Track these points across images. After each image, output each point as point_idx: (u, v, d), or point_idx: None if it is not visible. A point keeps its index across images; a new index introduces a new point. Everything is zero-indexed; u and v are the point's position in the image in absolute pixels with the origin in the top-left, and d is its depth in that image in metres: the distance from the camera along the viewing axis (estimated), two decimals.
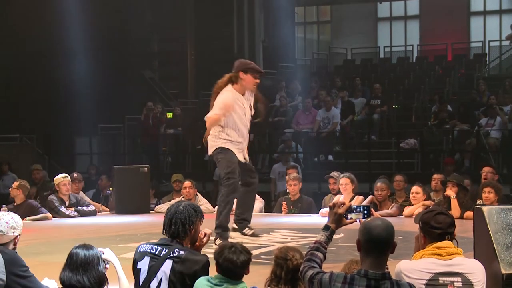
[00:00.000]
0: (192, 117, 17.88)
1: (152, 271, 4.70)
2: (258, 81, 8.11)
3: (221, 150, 8.00)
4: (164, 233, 4.83)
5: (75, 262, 4.55)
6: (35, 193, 12.48)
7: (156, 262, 4.70)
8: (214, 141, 8.04)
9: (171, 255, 4.69)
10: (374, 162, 16.11)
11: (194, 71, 22.34)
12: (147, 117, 18.36)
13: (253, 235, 8.06)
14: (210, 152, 8.18)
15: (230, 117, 7.96)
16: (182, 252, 4.69)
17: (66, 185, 10.86)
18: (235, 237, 7.88)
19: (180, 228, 4.76)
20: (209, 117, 7.96)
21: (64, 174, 11.03)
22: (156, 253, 4.74)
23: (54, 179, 11.03)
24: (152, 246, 4.79)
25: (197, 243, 4.87)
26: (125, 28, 20.49)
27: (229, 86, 8.04)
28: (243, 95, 8.07)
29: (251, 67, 8.10)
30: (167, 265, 4.67)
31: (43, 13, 18.76)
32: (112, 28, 19.99)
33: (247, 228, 8.10)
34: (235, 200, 8.24)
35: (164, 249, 4.73)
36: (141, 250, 4.81)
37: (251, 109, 8.16)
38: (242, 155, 8.08)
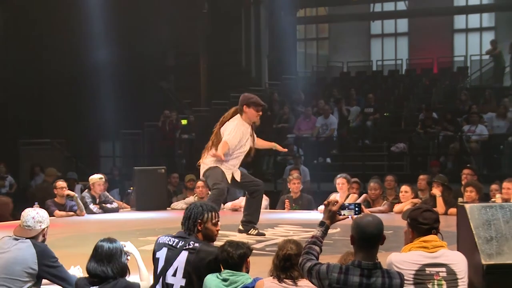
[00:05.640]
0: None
1: (169, 261, 4.71)
2: (260, 113, 8.14)
3: (210, 168, 8.06)
4: (182, 227, 4.86)
5: (100, 254, 4.58)
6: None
7: (172, 253, 4.72)
8: (205, 163, 8.13)
9: (187, 246, 4.71)
10: (368, 164, 16.05)
11: (206, 82, 22.38)
12: (164, 123, 18.42)
13: (257, 234, 8.08)
14: (201, 174, 8.22)
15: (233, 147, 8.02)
16: (196, 244, 4.71)
17: (100, 185, 10.88)
18: (241, 237, 7.86)
19: (192, 224, 4.79)
20: (218, 154, 7.96)
21: (100, 175, 11.02)
22: (173, 244, 4.76)
23: (90, 178, 11.00)
24: (170, 238, 4.81)
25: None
26: (144, 44, 20.53)
27: (238, 116, 8.12)
28: (249, 124, 8.15)
29: (253, 101, 8.09)
30: (183, 256, 4.68)
31: (71, 28, 18.83)
32: (132, 45, 20.05)
33: (252, 229, 8.15)
34: (244, 204, 8.39)
35: (181, 241, 4.75)
36: (160, 242, 4.83)
37: (251, 136, 8.22)
38: (231, 174, 8.09)
